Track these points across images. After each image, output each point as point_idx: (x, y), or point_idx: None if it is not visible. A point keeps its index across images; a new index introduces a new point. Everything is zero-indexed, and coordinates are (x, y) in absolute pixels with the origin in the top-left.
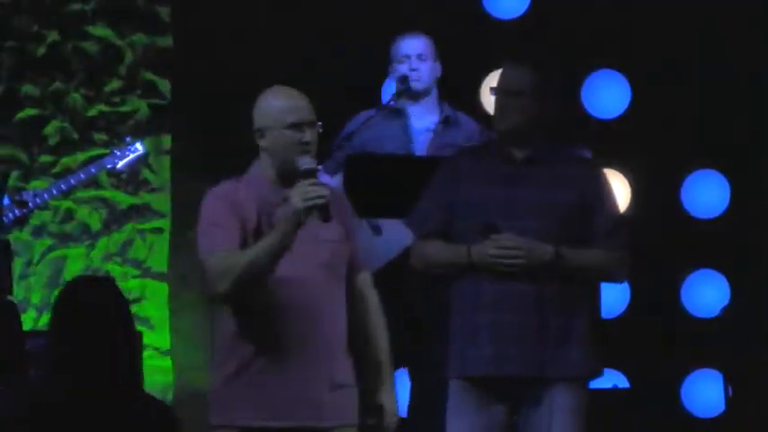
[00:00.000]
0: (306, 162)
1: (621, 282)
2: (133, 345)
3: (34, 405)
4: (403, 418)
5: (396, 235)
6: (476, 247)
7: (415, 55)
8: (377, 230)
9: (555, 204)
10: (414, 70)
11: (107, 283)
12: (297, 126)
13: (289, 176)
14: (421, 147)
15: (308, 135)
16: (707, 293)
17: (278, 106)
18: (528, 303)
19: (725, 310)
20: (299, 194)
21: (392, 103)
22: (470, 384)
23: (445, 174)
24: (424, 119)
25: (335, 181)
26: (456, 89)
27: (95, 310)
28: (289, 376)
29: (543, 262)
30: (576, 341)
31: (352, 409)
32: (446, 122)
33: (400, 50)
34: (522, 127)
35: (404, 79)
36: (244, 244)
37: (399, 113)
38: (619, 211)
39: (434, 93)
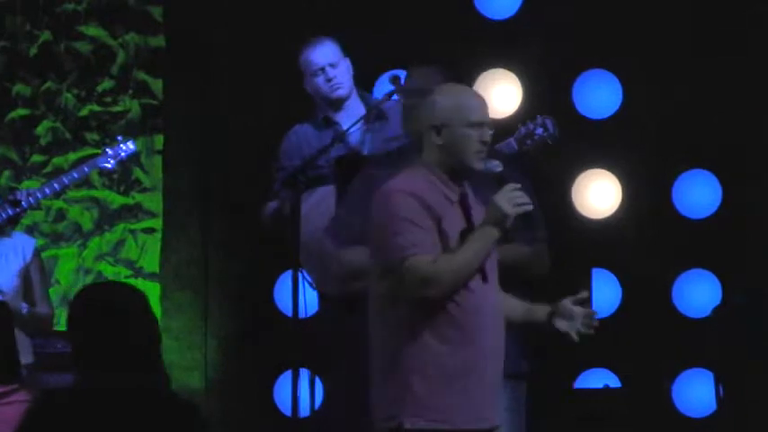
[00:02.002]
0: (496, 165)
1: (542, 275)
2: (157, 344)
3: (60, 404)
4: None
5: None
6: None
7: (327, 64)
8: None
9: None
10: (330, 80)
11: (129, 287)
12: (479, 125)
13: (461, 175)
14: (364, 149)
15: (488, 135)
16: (698, 293)
17: (462, 104)
18: None
19: (716, 310)
20: (508, 200)
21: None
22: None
23: (361, 183)
24: (353, 119)
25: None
26: None
27: (125, 310)
28: (485, 378)
29: None
30: (507, 338)
31: None
32: (379, 118)
33: (311, 64)
34: None
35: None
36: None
37: (328, 122)
38: (535, 206)
39: (354, 91)
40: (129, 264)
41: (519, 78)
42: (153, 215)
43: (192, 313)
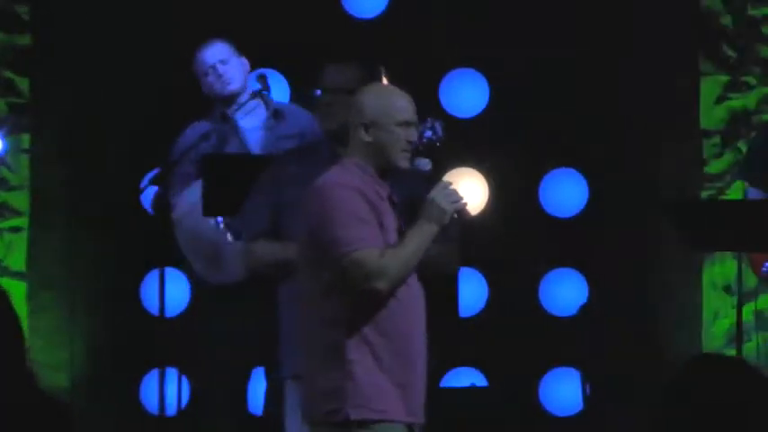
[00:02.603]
0: (426, 163)
1: (453, 273)
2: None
3: None
4: (259, 418)
5: None
6: None
7: (217, 61)
8: (238, 236)
9: None
10: (221, 76)
11: None
12: (406, 124)
13: (387, 173)
14: (255, 145)
15: (414, 134)
16: (565, 292)
17: (390, 103)
18: None
19: (582, 308)
20: (445, 197)
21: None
22: (300, 384)
23: (271, 176)
24: (250, 118)
25: (191, 197)
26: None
27: None
28: (418, 371)
29: None
30: None
31: None
32: (276, 116)
33: (202, 64)
34: (346, 125)
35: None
36: None
37: (225, 118)
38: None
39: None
40: None
41: (386, 78)
42: (19, 214)
43: (59, 312)
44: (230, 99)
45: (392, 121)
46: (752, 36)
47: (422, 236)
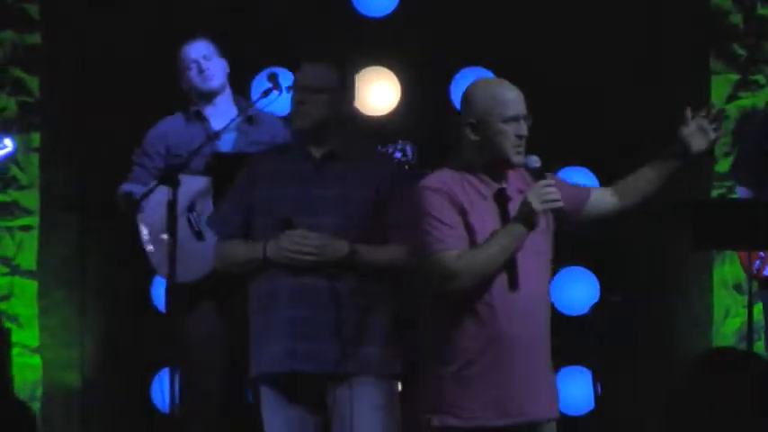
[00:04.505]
0: (535, 160)
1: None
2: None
3: None
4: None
5: None
6: (271, 243)
7: (200, 56)
8: (200, 236)
9: (351, 201)
10: (203, 71)
11: None
12: (514, 120)
13: (497, 169)
14: (226, 147)
15: (524, 128)
16: (576, 291)
17: (497, 100)
18: (323, 300)
19: (594, 307)
20: (538, 196)
21: (192, 107)
22: (269, 382)
23: (244, 175)
24: (223, 119)
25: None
26: None
27: None
28: (512, 375)
29: (338, 258)
30: (374, 339)
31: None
32: (250, 121)
33: (185, 58)
34: (320, 124)
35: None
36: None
37: (199, 117)
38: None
39: (228, 91)
40: (6, 261)
41: (397, 76)
42: (30, 213)
43: (70, 311)
44: (208, 96)
45: (499, 118)
46: (762, 35)
47: (508, 236)
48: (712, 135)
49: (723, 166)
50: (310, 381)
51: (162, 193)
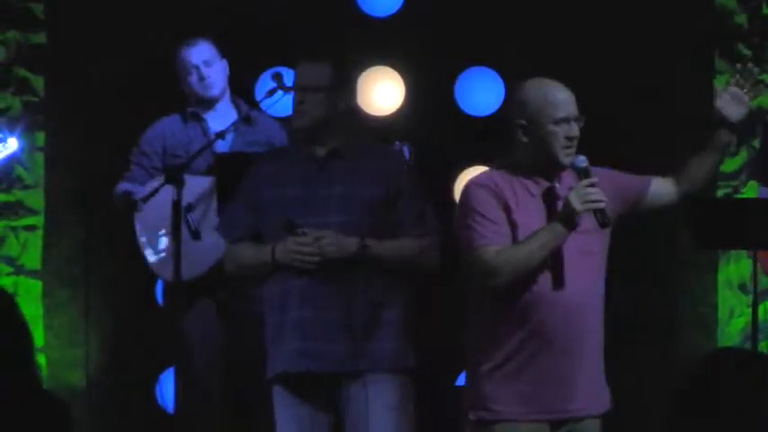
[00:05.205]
0: (582, 161)
1: (434, 270)
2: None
3: None
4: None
5: (215, 240)
6: (279, 245)
7: (201, 62)
8: (196, 235)
9: (358, 198)
10: (203, 79)
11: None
12: (565, 121)
13: (549, 170)
14: (224, 149)
15: (575, 130)
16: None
17: (547, 101)
18: (335, 298)
19: None
20: (579, 196)
21: (190, 108)
22: (282, 382)
23: (249, 177)
24: (222, 120)
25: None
26: None
27: None
28: (554, 373)
29: (349, 254)
30: (387, 334)
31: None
32: (246, 121)
33: (186, 63)
34: (320, 123)
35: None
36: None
37: (197, 118)
38: (425, 199)
39: (227, 93)
40: (10, 261)
41: (401, 75)
42: (34, 212)
43: (74, 311)
44: (208, 102)
45: (549, 120)
46: (767, 35)
47: (549, 234)
48: (746, 98)
49: (728, 165)
50: (322, 379)
51: (159, 193)
